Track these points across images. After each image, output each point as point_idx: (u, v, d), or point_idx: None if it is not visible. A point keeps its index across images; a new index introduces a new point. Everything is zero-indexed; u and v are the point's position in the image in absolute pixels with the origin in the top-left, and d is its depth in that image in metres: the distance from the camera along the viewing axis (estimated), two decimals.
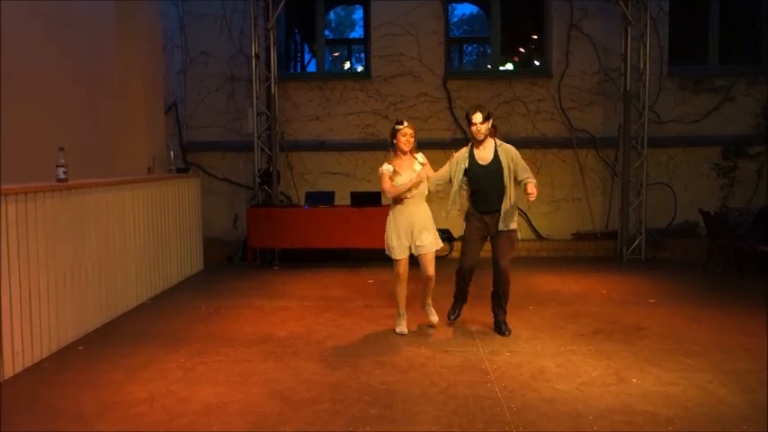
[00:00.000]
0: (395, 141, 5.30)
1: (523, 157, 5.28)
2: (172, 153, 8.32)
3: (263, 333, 5.48)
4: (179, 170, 8.31)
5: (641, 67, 8.81)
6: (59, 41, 6.31)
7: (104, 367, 4.66)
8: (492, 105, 8.69)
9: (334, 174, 9.42)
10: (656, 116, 9.14)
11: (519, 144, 5.30)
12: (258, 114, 9.04)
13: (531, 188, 4.94)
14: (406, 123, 5.31)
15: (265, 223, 8.36)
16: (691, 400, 3.92)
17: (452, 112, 9.34)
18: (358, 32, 11.85)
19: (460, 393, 4.08)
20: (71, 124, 6.37)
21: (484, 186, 5.19)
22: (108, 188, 5.92)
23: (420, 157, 5.33)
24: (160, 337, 5.41)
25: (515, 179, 5.16)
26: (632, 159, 8.91)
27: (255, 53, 8.89)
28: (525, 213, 9.26)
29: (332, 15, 12.91)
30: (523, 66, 10.81)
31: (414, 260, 5.35)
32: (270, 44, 8.93)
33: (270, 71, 8.97)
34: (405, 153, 5.30)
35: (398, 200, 5.28)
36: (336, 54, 12.94)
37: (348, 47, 12.93)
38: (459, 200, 5.31)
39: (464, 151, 5.29)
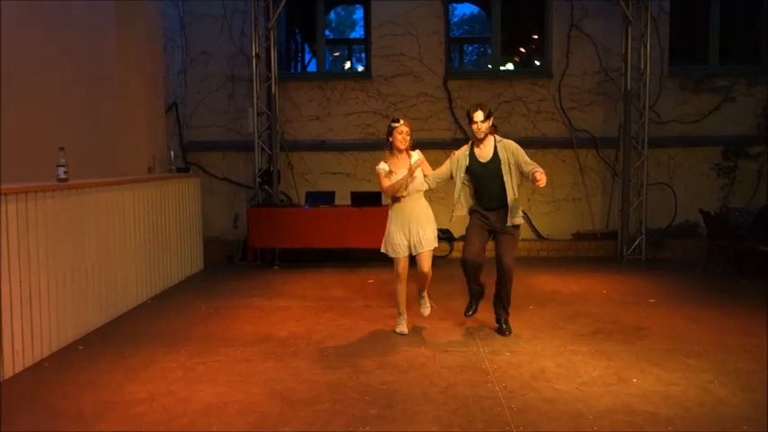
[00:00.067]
0: (391, 139, 5.28)
1: None
2: (172, 153, 8.32)
3: (264, 333, 5.48)
4: (179, 170, 8.31)
5: (642, 66, 8.81)
6: (59, 41, 6.31)
7: (104, 367, 4.66)
8: (492, 105, 8.64)
9: (335, 174, 9.43)
10: (657, 116, 9.14)
11: (519, 144, 5.28)
12: (258, 114, 9.04)
13: (539, 175, 4.84)
14: (401, 121, 5.29)
15: (265, 223, 8.36)
16: (691, 401, 3.92)
17: (453, 112, 9.34)
18: (358, 32, 11.84)
19: (461, 393, 4.08)
20: (71, 124, 6.37)
21: (485, 184, 5.18)
22: (108, 188, 5.92)
23: (416, 154, 5.31)
24: (160, 336, 5.41)
25: (522, 173, 5.09)
26: (633, 159, 8.91)
27: (256, 53, 8.89)
28: (525, 213, 9.25)
29: (332, 15, 12.90)
30: (524, 66, 10.81)
31: (413, 260, 5.33)
32: (270, 44, 8.93)
33: (270, 71, 8.97)
34: (401, 151, 5.28)
35: (396, 198, 5.27)
36: (337, 54, 12.94)
37: (348, 47, 12.93)
38: (463, 199, 5.28)
39: (464, 149, 5.28)
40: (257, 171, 9.05)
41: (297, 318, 5.98)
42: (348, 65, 12.58)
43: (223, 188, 9.52)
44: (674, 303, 6.34)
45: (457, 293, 6.59)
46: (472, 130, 5.17)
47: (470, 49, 13.75)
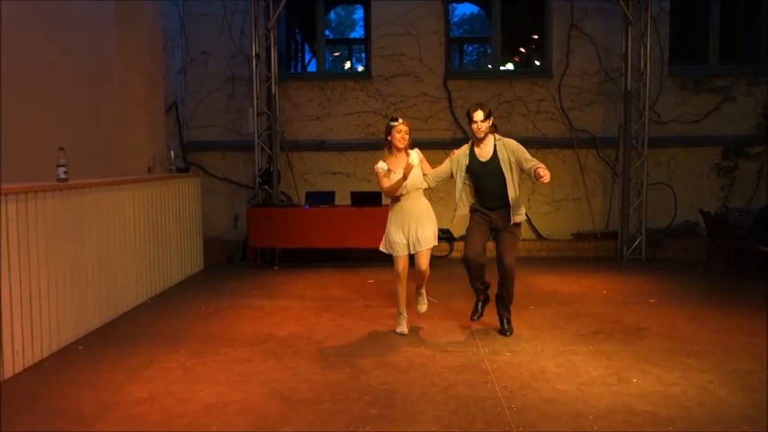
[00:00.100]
0: (389, 138, 5.27)
1: None
2: (172, 153, 8.32)
3: (264, 333, 5.48)
4: (179, 170, 8.31)
5: (642, 66, 8.81)
6: (59, 41, 6.31)
7: (104, 367, 4.66)
8: (492, 105, 8.63)
9: (335, 174, 9.42)
10: (657, 116, 9.14)
11: (520, 144, 5.27)
12: (258, 114, 9.04)
13: (542, 171, 4.81)
14: (400, 120, 5.28)
15: (265, 223, 8.35)
16: (691, 401, 3.92)
17: (453, 112, 9.34)
18: (358, 32, 11.84)
19: (461, 393, 4.08)
20: (71, 124, 6.37)
21: (485, 183, 5.17)
22: (108, 188, 5.92)
23: (415, 153, 5.29)
24: (160, 336, 5.41)
25: (523, 170, 5.07)
26: (633, 159, 8.91)
27: (256, 53, 8.89)
28: (526, 213, 9.24)
29: (332, 15, 12.89)
30: (524, 66, 10.81)
31: (413, 259, 5.32)
32: (270, 44, 8.93)
33: (270, 71, 8.97)
34: (399, 150, 5.27)
35: (396, 197, 5.26)
36: (337, 54, 12.94)
37: (348, 47, 12.92)
38: (465, 198, 5.26)
39: (465, 149, 5.28)
40: (257, 171, 9.05)
41: (297, 318, 5.98)
42: (348, 65, 12.58)
43: (223, 188, 9.52)
44: (675, 303, 6.34)
45: (457, 293, 6.61)
46: (472, 130, 5.16)
47: (470, 49, 13.74)
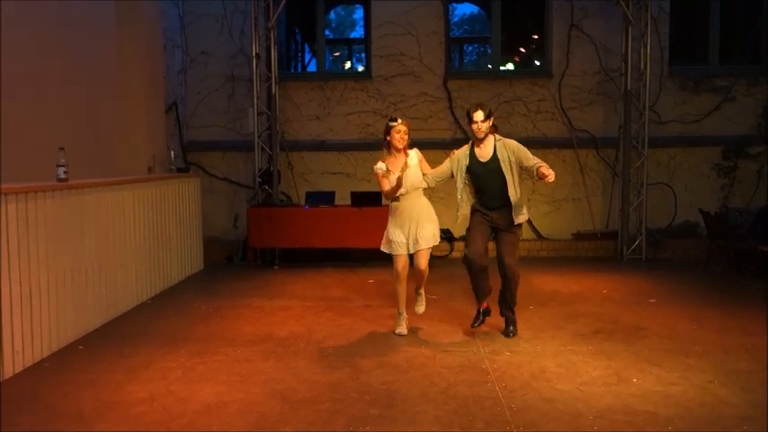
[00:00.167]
0: (388, 138, 5.25)
1: None
2: (172, 153, 8.32)
3: (264, 333, 5.48)
4: (179, 170, 8.31)
5: (642, 66, 8.81)
6: (59, 41, 6.30)
7: (104, 367, 4.66)
8: (492, 105, 8.63)
9: (335, 173, 9.43)
10: (657, 116, 9.14)
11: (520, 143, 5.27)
12: (258, 114, 9.04)
13: (545, 170, 4.78)
14: (399, 120, 5.26)
15: (265, 223, 8.36)
16: (691, 401, 3.92)
17: (453, 112, 9.34)
18: (358, 32, 11.85)
19: (461, 393, 4.08)
20: (71, 124, 6.37)
21: (486, 183, 5.16)
22: (108, 188, 5.92)
23: (414, 153, 5.29)
24: (160, 336, 5.41)
25: (525, 169, 5.04)
26: (633, 159, 8.91)
27: (256, 53, 8.89)
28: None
29: (332, 15, 12.90)
30: (524, 66, 10.81)
31: (413, 259, 5.32)
32: (270, 44, 8.93)
33: (270, 71, 8.97)
34: (398, 150, 5.26)
35: (396, 198, 5.26)
36: (337, 54, 12.94)
37: (348, 47, 12.93)
38: (466, 198, 5.24)
39: (465, 149, 5.27)
40: (257, 171, 9.05)
41: (297, 318, 5.98)
42: (348, 65, 12.59)
43: (223, 188, 9.52)
44: (675, 303, 6.33)
45: (457, 293, 6.61)
46: (472, 130, 5.15)
47: (470, 48, 13.75)
